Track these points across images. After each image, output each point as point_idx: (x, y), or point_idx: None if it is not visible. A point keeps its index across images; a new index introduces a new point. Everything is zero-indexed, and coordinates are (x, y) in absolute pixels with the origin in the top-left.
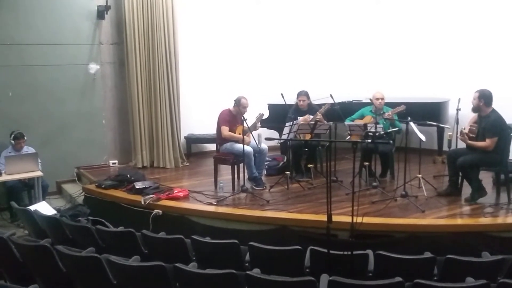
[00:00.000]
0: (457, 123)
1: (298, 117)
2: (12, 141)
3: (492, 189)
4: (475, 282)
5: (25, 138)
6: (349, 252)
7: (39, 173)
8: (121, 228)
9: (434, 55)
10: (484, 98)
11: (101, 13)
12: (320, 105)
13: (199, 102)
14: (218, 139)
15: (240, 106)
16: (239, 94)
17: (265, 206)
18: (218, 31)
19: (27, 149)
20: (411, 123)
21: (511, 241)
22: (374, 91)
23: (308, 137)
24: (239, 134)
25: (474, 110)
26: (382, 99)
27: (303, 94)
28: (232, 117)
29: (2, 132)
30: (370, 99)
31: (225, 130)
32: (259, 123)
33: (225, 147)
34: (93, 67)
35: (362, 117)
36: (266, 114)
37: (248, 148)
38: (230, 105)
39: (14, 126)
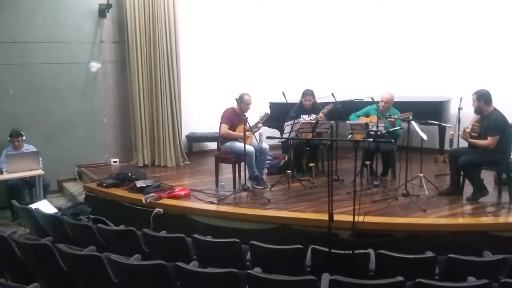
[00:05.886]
0: (459, 122)
1: (301, 116)
2: (9, 139)
3: (493, 189)
4: (477, 282)
5: (24, 136)
6: (351, 251)
7: (40, 172)
8: (122, 227)
9: (435, 54)
10: (483, 98)
11: (102, 12)
12: (323, 104)
13: (200, 101)
14: (220, 137)
15: (243, 102)
16: (241, 92)
17: (266, 205)
18: (220, 30)
19: (28, 148)
20: (413, 122)
21: None
22: (383, 91)
23: (309, 136)
24: (239, 132)
25: (477, 112)
26: (387, 102)
27: (310, 94)
28: (236, 116)
29: (3, 130)
30: (372, 99)
31: (224, 128)
32: (261, 122)
33: (227, 145)
34: (95, 66)
35: (367, 115)
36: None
37: (249, 148)
38: (231, 104)
39: (15, 125)
